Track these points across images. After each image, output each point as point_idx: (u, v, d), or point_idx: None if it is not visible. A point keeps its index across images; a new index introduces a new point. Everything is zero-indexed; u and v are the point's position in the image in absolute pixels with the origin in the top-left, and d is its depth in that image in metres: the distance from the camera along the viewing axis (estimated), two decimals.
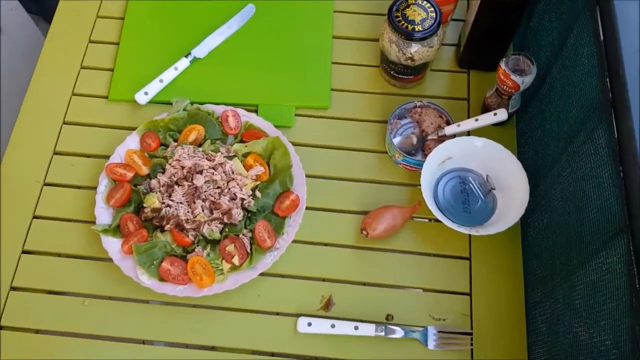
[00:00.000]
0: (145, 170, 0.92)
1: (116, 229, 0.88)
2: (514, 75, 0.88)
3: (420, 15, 0.92)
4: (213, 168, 0.90)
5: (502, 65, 0.89)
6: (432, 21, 0.92)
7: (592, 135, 0.69)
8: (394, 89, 1.04)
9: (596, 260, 0.65)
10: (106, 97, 1.03)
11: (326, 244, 0.91)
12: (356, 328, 0.83)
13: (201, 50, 1.05)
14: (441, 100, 1.02)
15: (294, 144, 0.96)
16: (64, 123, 1.01)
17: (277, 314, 0.86)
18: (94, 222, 0.89)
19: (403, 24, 0.92)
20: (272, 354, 0.84)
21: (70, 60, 1.07)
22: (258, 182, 0.92)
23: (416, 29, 0.91)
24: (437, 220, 0.88)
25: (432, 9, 0.92)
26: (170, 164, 0.91)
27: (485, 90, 0.99)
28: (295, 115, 1.01)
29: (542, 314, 0.80)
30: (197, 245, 0.87)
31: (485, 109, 0.98)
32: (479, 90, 1.03)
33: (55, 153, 0.98)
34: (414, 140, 0.97)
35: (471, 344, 0.84)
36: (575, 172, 0.74)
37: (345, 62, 1.07)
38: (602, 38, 0.68)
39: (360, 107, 1.03)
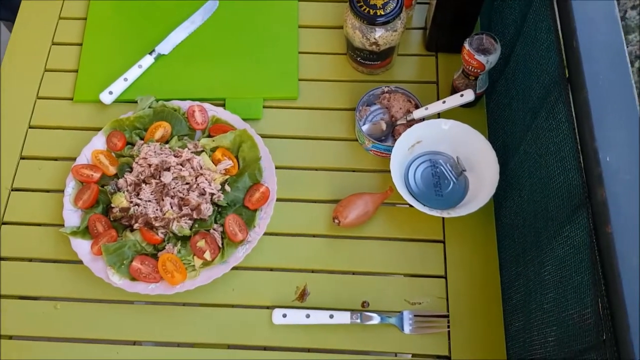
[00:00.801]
0: (112, 170, 0.91)
1: (85, 231, 0.87)
2: (478, 54, 0.87)
3: None
4: (181, 164, 0.89)
5: (466, 45, 0.88)
6: (394, 4, 0.91)
7: (553, 110, 0.69)
8: (362, 76, 1.04)
9: (562, 235, 0.65)
10: (71, 99, 1.02)
11: (299, 235, 0.90)
12: (331, 317, 0.82)
13: (165, 47, 1.04)
14: (410, 85, 1.01)
15: (264, 136, 0.95)
16: (30, 127, 0.99)
17: (252, 307, 0.86)
18: (63, 225, 0.88)
19: (365, 9, 0.91)
20: (248, 347, 0.83)
21: (33, 63, 1.05)
22: (227, 176, 0.91)
23: (378, 13, 0.90)
24: (410, 205, 0.87)
25: None
26: (137, 162, 0.90)
27: (453, 72, 0.99)
28: (264, 107, 1.00)
29: (517, 292, 0.80)
30: (168, 243, 0.86)
31: (454, 90, 0.97)
32: (448, 73, 1.03)
33: (22, 158, 0.97)
34: (383, 126, 0.96)
35: (448, 326, 0.83)
36: (540, 148, 0.73)
37: (312, 51, 1.06)
38: (557, 11, 0.68)
39: (329, 96, 1.02)
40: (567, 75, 0.63)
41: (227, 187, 0.90)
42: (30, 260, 0.90)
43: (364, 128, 0.96)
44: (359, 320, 0.82)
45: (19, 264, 0.89)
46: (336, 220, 0.88)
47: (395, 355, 0.84)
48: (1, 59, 1.07)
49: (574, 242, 0.61)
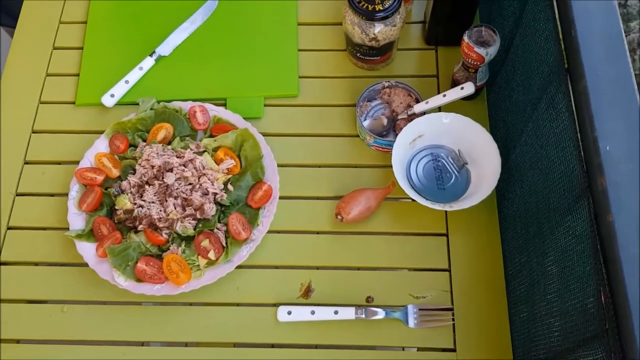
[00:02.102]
0: (115, 172, 0.92)
1: (90, 234, 0.88)
2: (477, 47, 0.87)
3: None
4: (183, 165, 0.90)
5: (465, 38, 0.88)
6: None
7: (553, 100, 0.68)
8: (362, 72, 1.04)
9: (564, 225, 0.65)
10: (73, 103, 1.02)
11: (302, 232, 0.91)
12: (336, 313, 0.83)
13: (166, 48, 1.04)
14: (411, 79, 1.01)
15: (265, 135, 0.95)
16: (33, 132, 1.00)
17: (257, 305, 0.86)
18: (68, 229, 0.89)
19: (363, 5, 0.91)
20: (254, 345, 0.84)
21: (35, 68, 1.06)
22: (230, 176, 0.91)
23: (377, 9, 0.90)
24: (413, 199, 0.87)
25: None
26: (139, 164, 0.90)
27: (453, 65, 0.98)
28: (265, 105, 1.01)
29: (520, 284, 0.80)
30: (172, 243, 0.87)
31: (454, 83, 0.97)
32: (448, 66, 1.03)
33: (26, 163, 0.98)
34: (384, 121, 0.96)
35: (452, 319, 0.83)
36: (540, 139, 0.73)
37: (312, 49, 1.06)
38: (555, 0, 0.67)
39: (330, 92, 1.02)
40: (566, 65, 0.63)
41: (229, 187, 0.90)
42: (36, 264, 0.90)
43: (365, 124, 0.96)
44: (363, 316, 0.83)
45: (26, 268, 0.90)
46: (339, 217, 0.88)
47: (403, 350, 0.84)
48: (1, 64, 1.08)
49: (576, 232, 0.61)
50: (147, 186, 0.89)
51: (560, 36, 0.65)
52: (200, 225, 0.87)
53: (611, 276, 0.51)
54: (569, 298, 0.62)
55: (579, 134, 0.59)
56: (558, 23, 0.65)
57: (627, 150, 0.54)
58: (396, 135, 0.94)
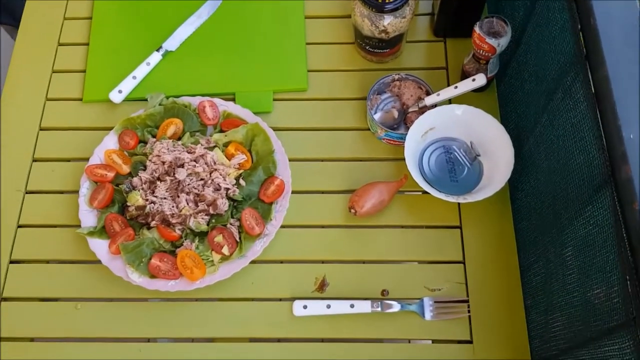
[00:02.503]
0: (126, 169, 0.91)
1: (102, 231, 0.87)
2: (489, 38, 0.86)
3: None
4: (194, 160, 0.89)
5: (477, 29, 0.88)
6: None
7: (570, 90, 0.68)
8: (371, 65, 1.03)
9: (583, 215, 0.65)
10: (80, 99, 1.01)
11: (315, 226, 0.90)
12: (352, 306, 0.82)
13: (172, 43, 1.03)
14: (420, 71, 1.00)
15: (275, 129, 0.95)
16: (41, 129, 0.99)
17: (272, 299, 0.86)
18: (79, 226, 0.88)
19: None
20: (270, 340, 0.84)
21: (41, 65, 1.05)
22: (241, 171, 0.91)
23: (387, 1, 0.90)
24: (425, 192, 0.87)
25: None
26: (150, 160, 0.90)
27: (462, 57, 0.98)
28: (274, 99, 1.00)
29: (536, 275, 0.80)
30: (185, 239, 0.86)
31: (464, 75, 0.97)
32: (457, 58, 1.02)
33: (34, 160, 0.97)
34: (395, 114, 0.95)
35: (468, 311, 0.83)
36: (557, 130, 0.73)
37: (320, 42, 1.05)
38: None
39: (339, 86, 1.01)
40: (585, 54, 0.63)
41: (241, 182, 0.90)
42: (47, 262, 0.90)
43: (376, 117, 0.95)
44: (379, 309, 0.82)
45: (38, 266, 0.89)
46: (352, 210, 0.88)
47: (409, 342, 0.84)
48: (1, 62, 1.06)
49: (597, 221, 0.61)
50: (158, 182, 0.88)
51: (578, 25, 0.65)
52: (213, 220, 0.87)
53: (638, 264, 0.51)
54: (590, 287, 0.62)
55: (600, 123, 0.59)
56: (575, 11, 0.65)
57: None
58: (407, 128, 0.93)
